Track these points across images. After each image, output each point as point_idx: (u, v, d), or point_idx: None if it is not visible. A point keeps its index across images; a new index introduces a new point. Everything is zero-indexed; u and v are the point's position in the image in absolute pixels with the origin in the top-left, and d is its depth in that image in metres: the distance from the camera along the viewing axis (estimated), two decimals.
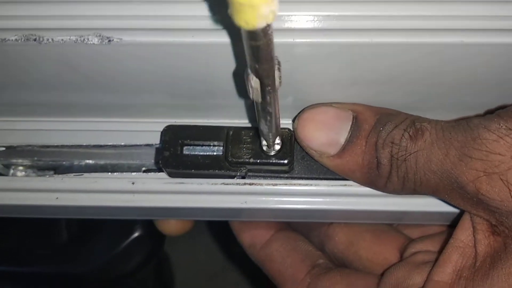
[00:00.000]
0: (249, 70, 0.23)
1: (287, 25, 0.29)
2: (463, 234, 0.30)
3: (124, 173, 0.37)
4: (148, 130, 0.38)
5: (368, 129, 0.31)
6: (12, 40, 0.29)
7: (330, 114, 0.33)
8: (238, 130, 0.34)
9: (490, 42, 0.29)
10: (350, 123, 0.32)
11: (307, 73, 0.32)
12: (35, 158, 0.40)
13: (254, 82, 0.24)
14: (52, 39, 0.29)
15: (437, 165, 0.28)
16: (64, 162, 0.40)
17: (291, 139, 0.34)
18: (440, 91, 0.33)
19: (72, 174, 0.36)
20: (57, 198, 0.35)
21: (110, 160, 0.39)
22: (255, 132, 0.34)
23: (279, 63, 0.24)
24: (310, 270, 0.36)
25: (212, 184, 0.35)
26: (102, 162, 0.39)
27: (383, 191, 0.33)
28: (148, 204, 0.35)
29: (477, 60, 0.30)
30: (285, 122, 0.36)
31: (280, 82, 0.24)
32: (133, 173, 0.36)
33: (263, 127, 0.29)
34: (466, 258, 0.30)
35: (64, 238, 0.61)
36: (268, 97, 0.25)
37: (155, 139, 0.38)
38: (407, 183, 0.30)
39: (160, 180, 0.35)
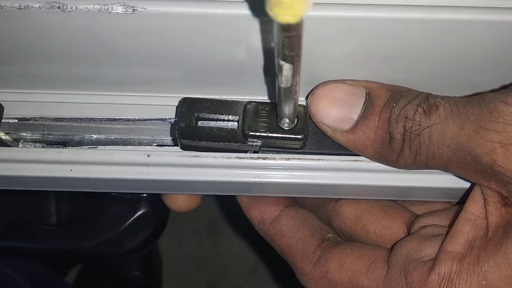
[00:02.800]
0: (281, 59, 0.23)
1: None
2: (474, 206, 0.31)
3: (139, 146, 0.37)
4: (161, 105, 0.38)
5: (381, 105, 0.32)
6: (35, 7, 0.29)
7: (343, 91, 0.33)
8: (255, 104, 0.35)
9: (504, 20, 0.29)
10: (363, 99, 0.33)
11: (322, 49, 0.33)
12: (45, 132, 0.39)
13: (286, 70, 0.24)
14: (76, 7, 0.29)
15: (452, 139, 0.29)
16: (74, 137, 0.40)
17: (306, 115, 0.34)
18: (453, 69, 0.34)
19: (86, 147, 0.37)
20: (71, 170, 0.36)
21: (121, 135, 0.39)
22: (272, 107, 0.35)
23: None
24: (320, 243, 0.37)
25: (226, 157, 0.35)
26: (113, 136, 0.39)
27: (394, 166, 0.34)
28: (162, 177, 0.35)
29: (491, 38, 0.31)
30: (300, 99, 0.36)
31: None
32: (147, 146, 0.37)
33: (284, 105, 0.30)
34: (478, 229, 0.31)
35: (69, 214, 0.61)
36: (295, 80, 0.26)
37: (168, 114, 0.38)
38: (419, 157, 0.31)
39: (175, 153, 0.35)
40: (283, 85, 0.26)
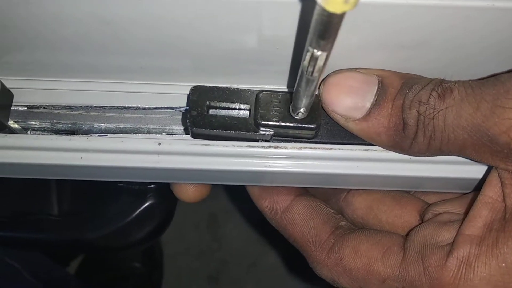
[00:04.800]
0: (316, 48, 0.23)
1: None
2: (491, 190, 0.31)
3: (150, 134, 0.37)
4: (171, 93, 0.38)
5: (394, 92, 0.32)
6: None
7: (356, 79, 0.33)
8: (268, 93, 0.34)
9: None
10: (376, 87, 0.32)
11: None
12: (54, 121, 0.39)
13: (321, 59, 0.24)
14: None
15: (467, 120, 0.29)
16: (83, 125, 0.39)
17: (318, 105, 0.34)
18: (467, 57, 0.33)
19: (96, 135, 0.36)
20: (81, 158, 0.35)
21: (131, 124, 0.39)
22: (284, 96, 0.34)
23: None
24: (334, 231, 0.37)
25: (237, 146, 0.35)
26: (122, 125, 0.39)
27: (408, 154, 0.33)
28: (173, 166, 0.35)
29: (508, 25, 0.30)
30: None
31: None
32: (158, 135, 0.36)
33: (303, 95, 0.30)
34: (495, 212, 0.31)
35: (73, 205, 0.61)
36: (317, 75, 0.26)
37: (179, 103, 0.38)
38: (434, 142, 0.31)
39: (186, 141, 0.35)
40: (314, 73, 0.26)
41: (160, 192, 0.60)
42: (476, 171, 0.35)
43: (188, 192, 0.43)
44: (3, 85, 0.35)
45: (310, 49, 0.24)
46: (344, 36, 0.32)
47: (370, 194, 0.39)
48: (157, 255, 1.17)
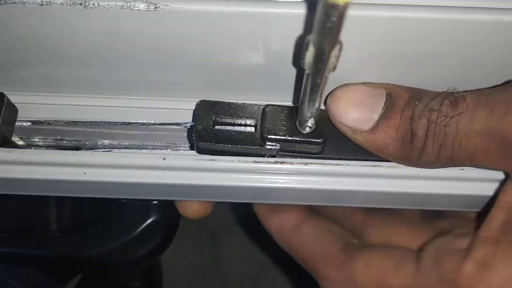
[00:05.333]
0: (319, 45, 0.23)
1: None
2: (507, 195, 0.31)
3: (155, 150, 0.36)
4: (176, 109, 0.37)
5: (402, 104, 0.32)
6: (57, 3, 0.28)
7: (363, 92, 0.33)
8: (274, 107, 0.34)
9: None
10: (384, 99, 0.32)
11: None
12: (58, 137, 0.39)
13: (311, 52, 0.24)
14: (98, 4, 0.28)
15: (480, 123, 0.29)
16: (87, 142, 0.39)
17: (325, 120, 0.34)
18: (475, 70, 0.33)
19: (100, 150, 0.36)
20: (85, 173, 0.35)
21: (135, 141, 0.38)
22: (290, 110, 0.34)
23: (341, 45, 0.24)
24: (344, 247, 0.36)
25: (243, 162, 0.35)
26: (126, 142, 0.39)
27: (416, 165, 0.33)
28: (178, 181, 0.34)
29: None
30: None
31: (335, 65, 0.25)
32: (163, 150, 0.36)
33: (308, 106, 0.30)
34: (511, 213, 0.30)
35: (74, 221, 0.61)
36: (319, 74, 0.25)
37: (183, 118, 0.38)
38: (443, 152, 0.30)
39: (191, 156, 0.35)
40: (306, 68, 0.25)
41: (163, 208, 0.60)
42: (487, 188, 0.34)
43: (192, 209, 0.42)
44: (8, 100, 0.35)
45: (312, 47, 0.24)
46: (349, 50, 0.32)
47: (383, 227, 0.38)
48: (156, 274, 1.16)
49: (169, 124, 0.37)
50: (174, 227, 0.64)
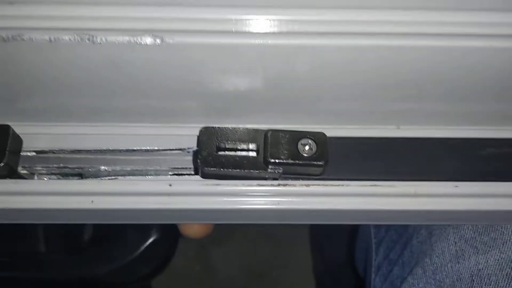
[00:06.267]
0: None
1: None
2: None
3: (158, 176, 0.37)
4: (178, 135, 0.38)
5: None
6: (65, 39, 0.29)
7: None
8: (275, 131, 0.35)
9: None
10: None
11: (336, 76, 0.34)
12: (61, 165, 0.39)
13: None
14: (106, 39, 0.29)
15: None
16: (90, 169, 0.40)
17: (325, 142, 0.35)
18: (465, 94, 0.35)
19: (106, 177, 0.37)
20: (92, 201, 0.35)
21: (138, 166, 0.39)
22: (291, 134, 0.35)
23: None
24: None
25: (247, 185, 0.36)
26: (129, 168, 0.39)
27: None
28: (185, 206, 0.35)
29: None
30: (320, 127, 0.37)
31: None
32: (168, 176, 0.37)
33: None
34: None
35: (80, 243, 0.61)
36: None
37: (186, 144, 0.38)
38: None
39: (196, 182, 0.36)
40: None
41: (163, 227, 0.60)
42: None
43: (193, 229, 0.43)
44: (13, 131, 0.36)
45: None
46: (346, 76, 0.33)
47: None
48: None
49: (172, 150, 0.38)
50: (174, 245, 0.64)
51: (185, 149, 0.38)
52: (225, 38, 0.30)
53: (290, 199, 0.36)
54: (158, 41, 0.29)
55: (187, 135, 0.38)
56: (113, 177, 0.37)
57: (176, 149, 0.38)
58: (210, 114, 0.37)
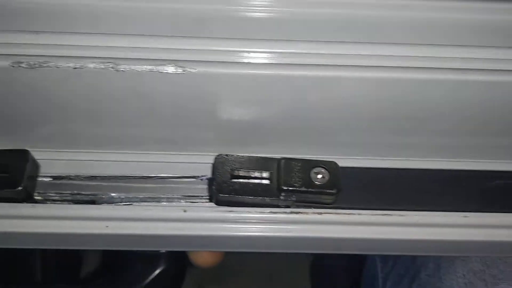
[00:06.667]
0: None
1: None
2: None
3: (171, 202, 0.38)
4: (192, 162, 0.39)
5: None
6: (90, 67, 0.30)
7: None
8: (289, 160, 0.36)
9: None
10: None
11: (347, 109, 0.35)
12: (75, 191, 0.40)
13: None
14: (129, 67, 0.30)
15: None
16: (103, 195, 0.40)
17: (338, 171, 0.36)
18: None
19: (121, 203, 0.37)
20: (107, 226, 0.36)
21: (151, 193, 0.39)
22: (304, 163, 0.36)
23: None
24: None
25: (260, 213, 0.36)
26: (142, 195, 0.40)
27: None
28: (199, 233, 0.36)
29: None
30: (330, 157, 0.37)
31: None
32: (181, 202, 0.37)
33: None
34: None
35: (87, 273, 0.60)
36: None
37: (199, 172, 0.39)
38: None
39: (210, 208, 0.36)
40: None
41: (171, 257, 0.60)
42: None
43: (204, 257, 0.43)
44: (31, 156, 0.36)
45: None
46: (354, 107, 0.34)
47: None
48: None
49: (186, 177, 0.39)
50: (182, 275, 0.64)
51: (198, 176, 0.39)
52: (241, 68, 0.31)
53: (303, 227, 0.36)
54: (179, 70, 0.30)
55: (200, 163, 0.39)
56: (127, 203, 0.37)
57: (189, 177, 0.39)
58: (224, 143, 0.38)
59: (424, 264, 0.54)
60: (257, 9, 0.34)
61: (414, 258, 0.56)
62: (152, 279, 0.59)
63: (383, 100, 0.35)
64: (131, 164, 0.39)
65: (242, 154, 0.37)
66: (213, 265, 0.44)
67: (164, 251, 0.59)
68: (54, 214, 0.36)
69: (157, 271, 0.59)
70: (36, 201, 0.38)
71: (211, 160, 0.37)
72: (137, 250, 0.59)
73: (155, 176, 0.39)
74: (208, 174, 0.39)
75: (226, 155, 0.37)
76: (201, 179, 0.39)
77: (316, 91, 0.34)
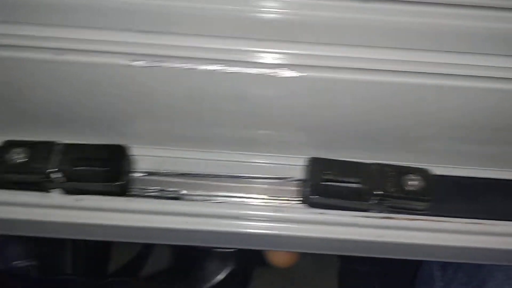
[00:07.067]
0: None
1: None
2: None
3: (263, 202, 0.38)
4: (283, 164, 0.39)
5: None
6: (202, 68, 0.31)
7: None
8: (381, 165, 0.36)
9: None
10: None
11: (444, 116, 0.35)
12: (159, 188, 0.40)
13: None
14: (240, 70, 0.31)
15: None
16: (191, 192, 0.40)
17: (430, 178, 0.36)
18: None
19: (212, 201, 0.38)
20: (186, 222, 0.36)
21: (242, 193, 0.39)
22: (397, 168, 0.36)
23: None
24: None
25: (352, 216, 0.36)
26: (231, 194, 0.40)
27: None
28: (291, 233, 0.36)
29: None
30: (420, 164, 0.37)
31: None
32: (271, 202, 0.38)
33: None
34: None
35: (160, 266, 0.62)
36: None
37: (290, 174, 0.39)
38: None
39: (302, 209, 0.36)
40: None
41: (241, 256, 0.61)
42: None
43: (282, 258, 0.44)
44: (128, 152, 0.37)
45: None
46: None
47: None
48: None
49: (277, 178, 0.39)
50: (250, 275, 0.65)
51: (288, 178, 0.39)
52: (351, 74, 0.32)
53: (395, 232, 0.36)
54: (294, 74, 0.30)
55: (288, 165, 0.39)
56: (219, 201, 0.38)
57: (280, 178, 0.39)
58: (316, 146, 0.38)
59: (491, 274, 0.53)
60: None
61: (479, 266, 0.55)
62: (223, 278, 0.60)
63: (482, 109, 0.35)
64: (222, 162, 0.39)
65: (334, 158, 0.37)
66: (290, 265, 0.44)
67: (233, 250, 0.60)
68: (150, 209, 0.36)
69: (228, 270, 0.60)
70: (130, 195, 0.39)
71: (298, 162, 0.37)
72: (208, 249, 0.61)
73: (245, 176, 0.39)
74: (296, 176, 0.39)
75: (320, 158, 0.37)
76: (292, 181, 0.39)
77: (416, 98, 0.34)
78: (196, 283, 0.60)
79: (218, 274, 0.60)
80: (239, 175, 0.39)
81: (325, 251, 0.39)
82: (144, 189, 0.40)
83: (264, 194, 0.39)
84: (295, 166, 0.39)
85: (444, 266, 0.61)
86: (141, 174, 0.39)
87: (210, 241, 0.38)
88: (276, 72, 0.31)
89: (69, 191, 0.36)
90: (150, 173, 0.40)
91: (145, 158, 0.40)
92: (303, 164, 0.38)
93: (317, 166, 0.36)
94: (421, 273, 0.68)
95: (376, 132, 0.36)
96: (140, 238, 0.39)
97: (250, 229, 0.36)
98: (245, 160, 0.40)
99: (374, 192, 0.35)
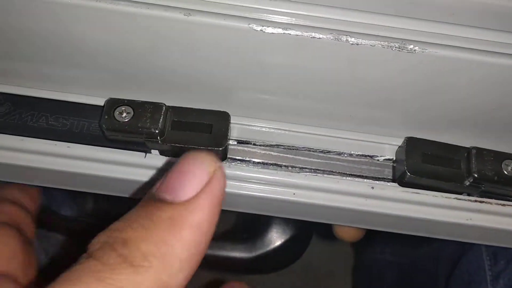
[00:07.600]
0: None
1: None
2: None
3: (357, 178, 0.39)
4: (375, 142, 0.40)
5: None
6: (322, 37, 0.31)
7: None
8: (480, 149, 0.36)
9: None
10: None
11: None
12: (260, 160, 0.41)
13: None
14: (361, 42, 0.31)
15: None
16: (286, 165, 0.41)
17: None
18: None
19: (308, 173, 0.38)
20: (294, 193, 0.37)
21: (336, 168, 0.40)
22: (496, 154, 0.36)
23: None
24: None
25: (445, 197, 0.37)
26: (323, 168, 0.40)
27: None
28: (384, 211, 0.37)
29: None
30: None
31: None
32: (365, 180, 0.39)
33: None
34: None
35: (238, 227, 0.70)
36: None
37: (380, 152, 0.40)
38: None
39: (396, 188, 0.37)
40: None
41: (300, 225, 0.67)
42: None
43: (350, 233, 0.45)
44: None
45: None
46: None
47: None
48: None
49: (366, 156, 0.40)
50: (307, 241, 0.73)
51: (382, 156, 0.40)
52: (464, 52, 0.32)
53: (487, 217, 0.37)
54: (417, 49, 0.31)
55: (384, 144, 0.40)
56: (314, 174, 0.38)
57: (371, 156, 0.40)
58: (410, 127, 0.39)
59: None
60: None
61: None
62: (286, 241, 0.68)
63: None
64: (315, 137, 0.40)
65: (431, 139, 0.38)
66: (356, 240, 0.45)
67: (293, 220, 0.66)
68: (250, 177, 0.37)
69: (289, 235, 0.68)
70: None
71: (389, 141, 0.38)
72: (272, 218, 0.65)
73: (340, 152, 0.40)
74: (387, 155, 0.40)
75: (417, 138, 0.37)
76: (382, 160, 0.40)
77: None
78: (261, 245, 0.66)
79: (280, 239, 0.65)
80: (333, 150, 0.40)
81: (412, 232, 0.40)
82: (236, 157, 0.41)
83: (358, 171, 0.40)
84: (384, 144, 0.40)
85: (495, 255, 0.61)
86: (235, 142, 0.40)
87: (295, 213, 0.39)
88: (406, 47, 0.31)
89: (169, 153, 0.37)
90: (240, 142, 0.40)
91: (235, 126, 0.40)
92: (394, 143, 0.38)
93: (414, 146, 0.37)
94: (466, 261, 0.68)
95: (481, 117, 0.36)
96: (236, 206, 0.39)
97: (344, 204, 0.37)
98: (339, 136, 0.40)
99: (474, 176, 0.36)
